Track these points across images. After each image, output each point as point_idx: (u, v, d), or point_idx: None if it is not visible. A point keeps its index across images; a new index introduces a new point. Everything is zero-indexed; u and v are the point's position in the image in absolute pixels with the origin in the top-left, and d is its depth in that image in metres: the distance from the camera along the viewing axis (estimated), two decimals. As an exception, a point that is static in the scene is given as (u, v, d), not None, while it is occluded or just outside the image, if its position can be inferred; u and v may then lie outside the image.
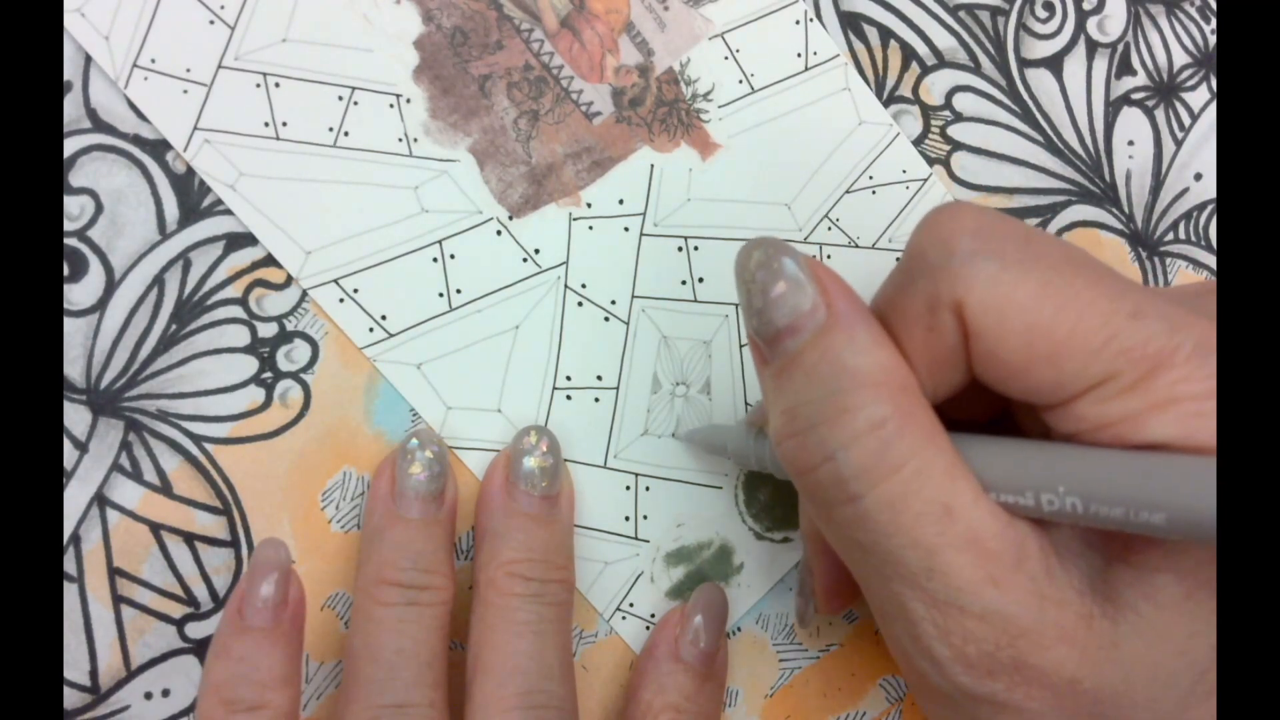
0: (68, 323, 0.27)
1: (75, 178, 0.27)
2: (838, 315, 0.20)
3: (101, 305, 0.27)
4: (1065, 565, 0.20)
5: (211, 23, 0.27)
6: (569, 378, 0.29)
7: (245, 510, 0.28)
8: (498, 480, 0.28)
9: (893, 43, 0.31)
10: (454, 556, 0.28)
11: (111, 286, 0.27)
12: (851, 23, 0.31)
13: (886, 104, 0.31)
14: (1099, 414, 0.19)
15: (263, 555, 0.26)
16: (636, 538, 0.30)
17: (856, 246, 0.31)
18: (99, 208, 0.27)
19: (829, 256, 0.31)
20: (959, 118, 0.32)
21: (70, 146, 0.27)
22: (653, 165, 0.30)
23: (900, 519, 0.19)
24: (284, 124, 0.27)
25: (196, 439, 0.28)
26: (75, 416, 0.27)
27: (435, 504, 0.27)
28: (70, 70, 0.26)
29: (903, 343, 0.20)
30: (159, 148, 0.27)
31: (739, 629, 0.31)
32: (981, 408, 0.23)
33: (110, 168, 0.27)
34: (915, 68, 0.31)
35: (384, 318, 0.28)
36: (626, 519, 0.30)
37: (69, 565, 0.27)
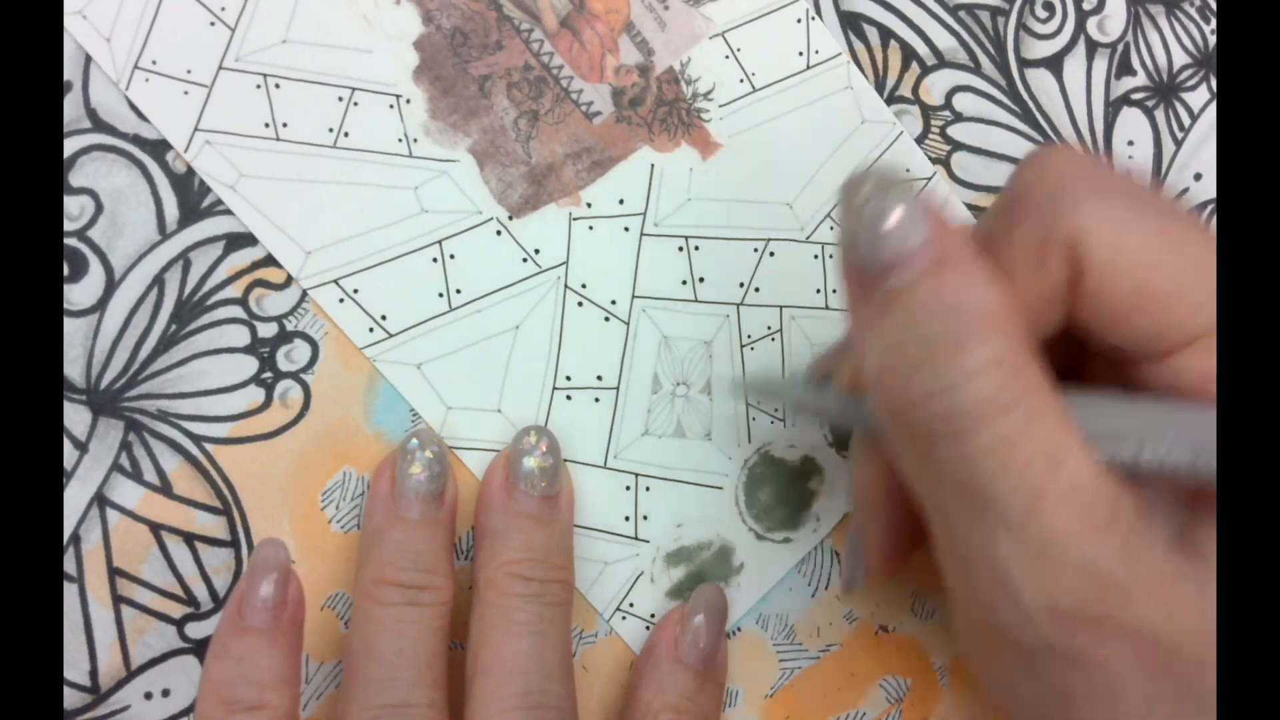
0: (68, 323, 0.27)
1: (75, 178, 0.27)
2: (951, 252, 0.20)
3: (101, 305, 0.27)
4: (1155, 521, 0.19)
5: (212, 24, 0.27)
6: (569, 378, 0.29)
7: (245, 510, 0.28)
8: (498, 480, 0.28)
9: (893, 43, 0.31)
10: (454, 556, 0.28)
11: (111, 286, 0.27)
12: (851, 23, 0.31)
13: (886, 104, 0.31)
14: (1201, 368, 0.18)
15: (262, 555, 0.26)
16: (636, 538, 0.30)
17: (857, 246, 0.31)
18: (99, 208, 0.27)
19: (832, 256, 0.31)
20: (959, 118, 0.32)
21: (70, 146, 0.27)
22: (653, 165, 0.30)
23: (1009, 461, 0.19)
24: (284, 125, 0.27)
25: (196, 439, 0.28)
26: (75, 416, 0.27)
27: (435, 504, 0.27)
28: (70, 70, 0.26)
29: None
30: (159, 148, 0.27)
31: (739, 629, 0.31)
32: (1058, 363, 0.23)
33: (110, 168, 0.27)
34: (915, 68, 0.31)
35: (384, 318, 0.28)
36: (626, 519, 0.30)
37: (69, 565, 0.27)
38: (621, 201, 0.29)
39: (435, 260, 0.28)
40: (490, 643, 0.26)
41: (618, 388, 0.30)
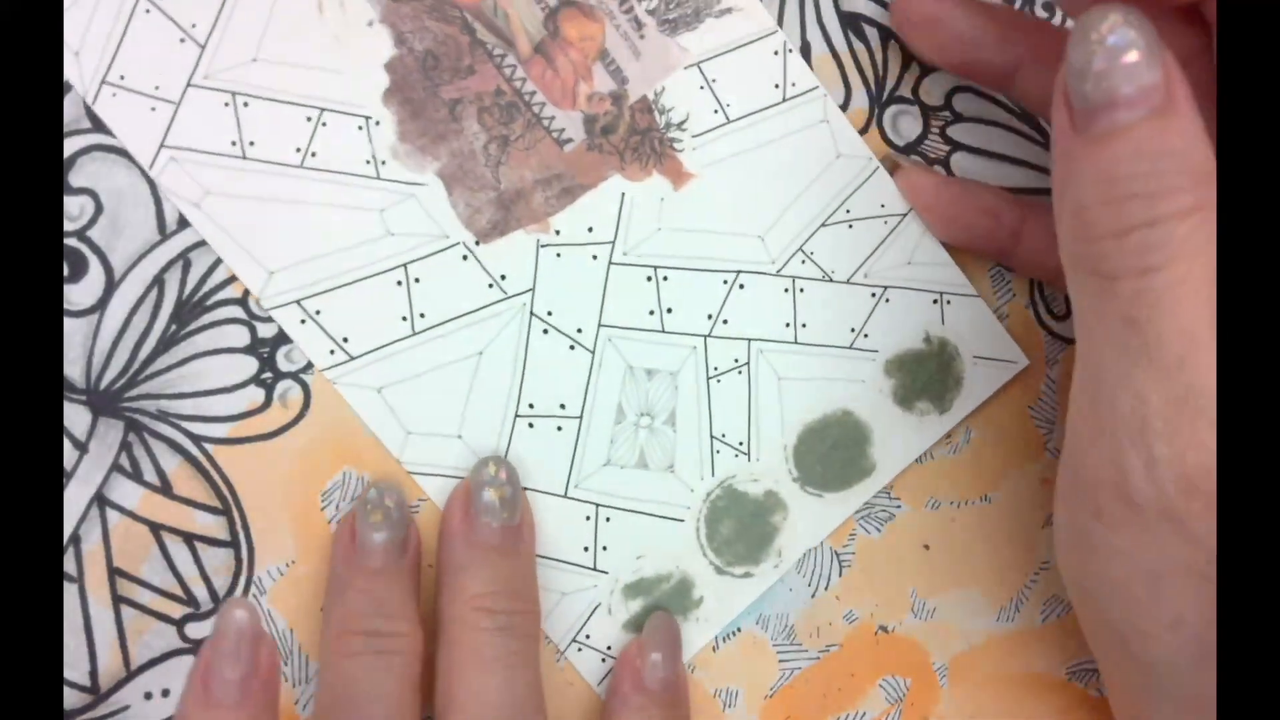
0: (68, 323, 0.27)
1: (75, 178, 0.27)
2: (1178, 100, 0.20)
3: (101, 305, 0.27)
4: None
5: (182, 41, 0.27)
6: (531, 405, 0.29)
7: (245, 510, 0.28)
8: (458, 513, 0.28)
9: (893, 43, 0.31)
10: (418, 604, 0.27)
11: (111, 287, 0.27)
12: (851, 23, 0.30)
13: (886, 104, 0.31)
14: None
15: (228, 620, 0.25)
16: (595, 569, 0.30)
17: (831, 281, 0.30)
18: (99, 208, 0.27)
19: (802, 290, 0.30)
20: (959, 118, 0.31)
21: (70, 146, 0.27)
22: (624, 194, 0.29)
23: (1183, 300, 0.20)
24: (251, 143, 0.27)
25: (196, 439, 0.28)
26: (75, 417, 0.27)
27: (397, 552, 0.27)
28: (70, 70, 0.26)
29: None
30: None
31: (739, 629, 0.31)
32: None
33: (110, 168, 0.27)
34: (915, 68, 0.31)
35: (346, 340, 0.28)
36: (585, 549, 0.30)
37: (69, 565, 0.27)
38: (590, 229, 0.29)
39: (400, 283, 0.28)
40: (460, 680, 0.26)
41: (581, 417, 0.29)
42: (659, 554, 0.30)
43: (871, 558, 0.31)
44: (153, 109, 0.27)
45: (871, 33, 0.31)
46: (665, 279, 0.30)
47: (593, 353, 0.29)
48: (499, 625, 0.26)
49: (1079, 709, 0.33)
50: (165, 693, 0.28)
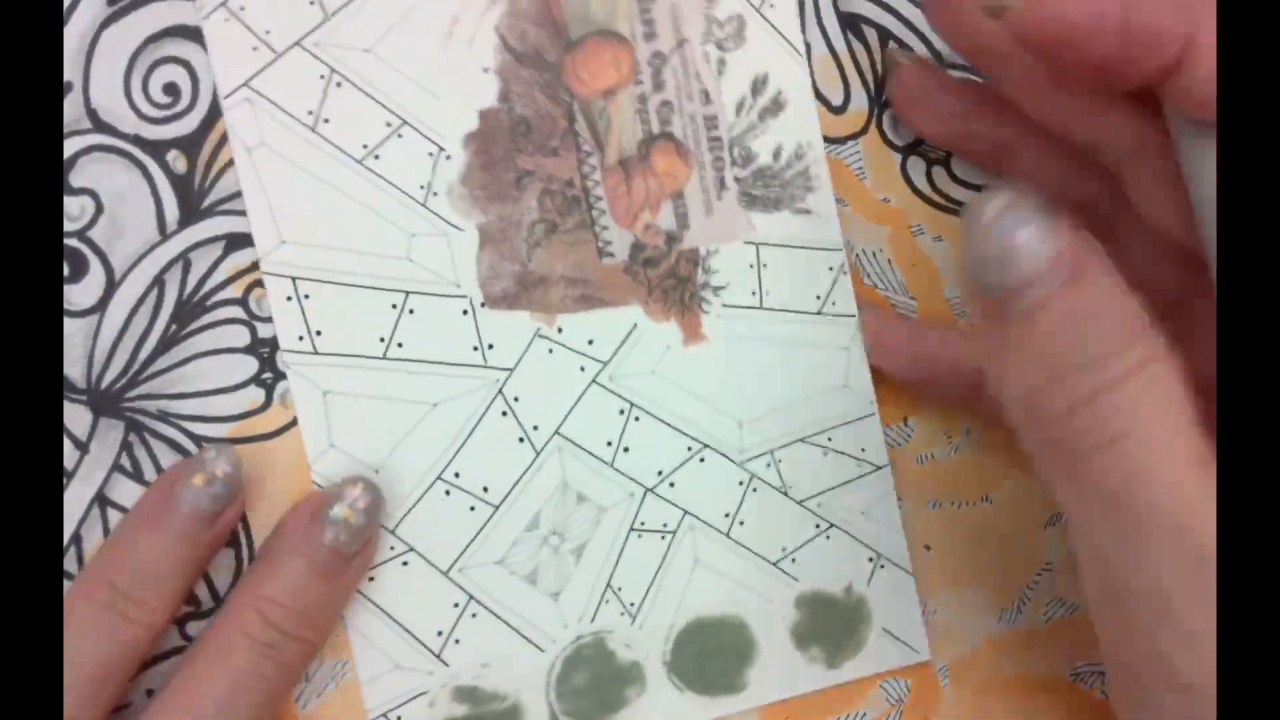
0: (68, 323, 0.27)
1: (75, 178, 0.27)
2: (1087, 263, 0.20)
3: (102, 306, 0.27)
4: None
5: (311, 3, 0.28)
6: (457, 475, 0.29)
7: (245, 510, 0.27)
8: (302, 514, 0.26)
9: (892, 44, 0.31)
10: (189, 590, 0.26)
11: (112, 287, 0.27)
12: (851, 23, 0.31)
13: (886, 105, 0.31)
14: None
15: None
16: (439, 656, 0.29)
17: (785, 495, 0.30)
18: (99, 208, 0.27)
19: (755, 490, 0.30)
20: None
21: (70, 147, 0.27)
22: (636, 324, 0.29)
23: (1160, 461, 0.19)
24: (326, 120, 0.28)
25: (197, 439, 0.27)
26: (75, 417, 0.27)
27: (201, 524, 0.25)
28: (70, 70, 0.27)
29: None
30: (159, 148, 0.27)
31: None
32: None
33: (110, 168, 0.27)
34: None
35: (319, 333, 0.28)
36: (439, 634, 0.29)
37: (70, 565, 0.27)
38: (591, 342, 0.29)
39: (394, 307, 0.28)
40: (192, 670, 0.24)
41: (498, 507, 0.29)
42: (505, 672, 0.29)
43: (872, 558, 0.31)
44: (254, 48, 0.27)
45: (871, 33, 0.31)
46: (636, 419, 0.29)
47: (538, 454, 0.29)
48: (266, 639, 0.24)
49: (1083, 711, 0.32)
50: None
